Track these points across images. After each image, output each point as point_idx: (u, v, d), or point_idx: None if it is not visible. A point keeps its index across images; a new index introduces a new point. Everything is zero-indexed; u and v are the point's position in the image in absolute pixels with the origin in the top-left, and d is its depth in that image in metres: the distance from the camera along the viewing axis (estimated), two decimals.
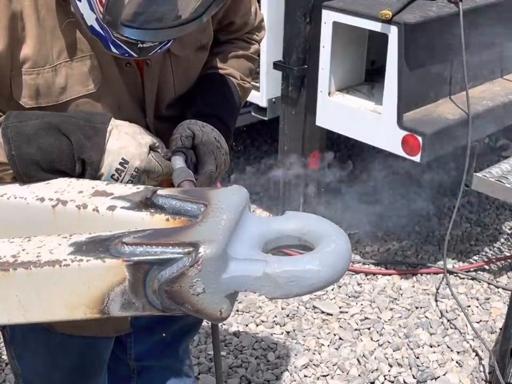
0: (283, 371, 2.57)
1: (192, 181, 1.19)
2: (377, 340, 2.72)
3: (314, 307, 2.89)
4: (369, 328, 2.78)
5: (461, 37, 2.63)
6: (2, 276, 0.93)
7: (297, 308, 2.88)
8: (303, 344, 2.69)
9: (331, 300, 2.94)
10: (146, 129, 1.26)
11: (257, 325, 2.79)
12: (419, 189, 3.41)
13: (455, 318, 2.84)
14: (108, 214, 1.06)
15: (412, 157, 2.67)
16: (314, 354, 2.65)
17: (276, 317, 2.83)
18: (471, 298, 2.97)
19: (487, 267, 3.18)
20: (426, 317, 2.85)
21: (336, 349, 2.67)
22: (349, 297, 2.96)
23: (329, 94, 2.94)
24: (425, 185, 3.43)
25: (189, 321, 1.73)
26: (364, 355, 2.63)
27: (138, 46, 1.15)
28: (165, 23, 1.09)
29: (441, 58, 2.79)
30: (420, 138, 2.61)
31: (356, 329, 2.77)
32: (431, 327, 2.79)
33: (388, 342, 2.71)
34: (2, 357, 2.56)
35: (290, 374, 2.55)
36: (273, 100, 3.25)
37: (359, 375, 2.55)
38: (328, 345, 2.69)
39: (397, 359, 2.62)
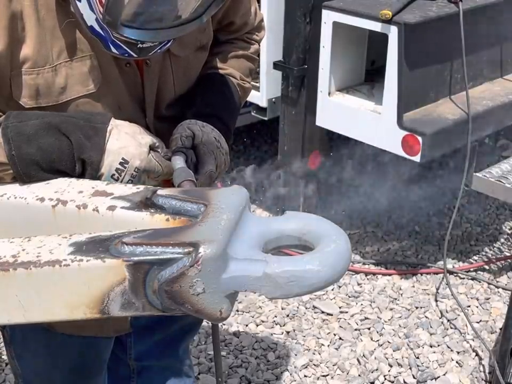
0: (283, 371, 2.57)
1: (192, 180, 1.19)
2: (377, 340, 2.72)
3: (314, 307, 2.89)
4: (369, 328, 2.78)
5: (461, 37, 2.63)
6: (2, 275, 0.93)
7: (297, 308, 2.88)
8: (303, 344, 2.69)
9: (331, 300, 2.94)
10: (146, 129, 1.26)
11: (257, 325, 2.79)
12: (419, 189, 3.41)
13: (455, 318, 2.84)
14: (108, 214, 1.06)
15: (411, 157, 2.67)
16: (314, 354, 2.65)
17: (276, 317, 2.83)
18: (471, 298, 2.97)
19: (487, 267, 3.18)
20: (426, 317, 2.85)
21: (336, 349, 2.67)
22: (349, 297, 2.96)
23: (329, 94, 2.94)
24: (425, 185, 3.43)
25: (189, 321, 1.73)
26: (363, 355, 2.63)
27: (138, 46, 1.15)
28: (164, 23, 1.09)
29: (441, 58, 2.79)
30: (420, 138, 2.61)
31: (355, 329, 2.77)
32: (431, 327, 2.79)
33: (388, 342, 2.71)
34: (2, 357, 2.56)
35: (290, 374, 2.55)
36: (273, 99, 3.25)
37: (359, 375, 2.55)
38: (328, 345, 2.69)
39: (397, 359, 2.62)
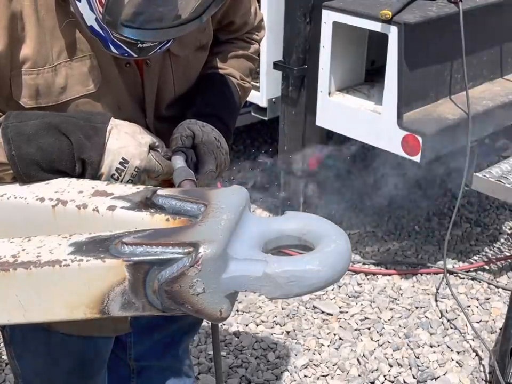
0: (283, 371, 2.57)
1: (192, 180, 1.19)
2: (377, 340, 2.72)
3: (314, 307, 2.89)
4: (369, 328, 2.78)
5: (461, 37, 2.63)
6: (2, 275, 0.93)
7: (297, 308, 2.88)
8: (303, 344, 2.69)
9: (331, 300, 2.94)
10: (146, 129, 1.26)
11: (257, 325, 2.79)
12: (419, 189, 3.41)
13: (455, 318, 2.84)
14: (108, 214, 1.06)
15: (411, 157, 2.67)
16: (314, 354, 2.64)
17: (276, 317, 2.83)
18: (471, 298, 2.97)
19: (487, 267, 3.18)
20: (426, 317, 2.85)
21: (336, 349, 2.67)
22: (349, 297, 2.96)
23: (329, 94, 2.94)
24: (425, 185, 3.43)
25: (189, 321, 1.73)
26: (363, 355, 2.63)
27: (138, 46, 1.15)
28: (164, 23, 1.09)
29: (441, 58, 2.79)
30: (419, 138, 2.61)
31: (355, 329, 2.77)
32: (431, 327, 2.79)
33: (388, 342, 2.71)
34: (2, 357, 2.56)
35: (290, 374, 2.55)
36: (273, 100, 3.25)
37: (359, 375, 2.55)
38: (328, 345, 2.69)
39: (397, 359, 2.62)
